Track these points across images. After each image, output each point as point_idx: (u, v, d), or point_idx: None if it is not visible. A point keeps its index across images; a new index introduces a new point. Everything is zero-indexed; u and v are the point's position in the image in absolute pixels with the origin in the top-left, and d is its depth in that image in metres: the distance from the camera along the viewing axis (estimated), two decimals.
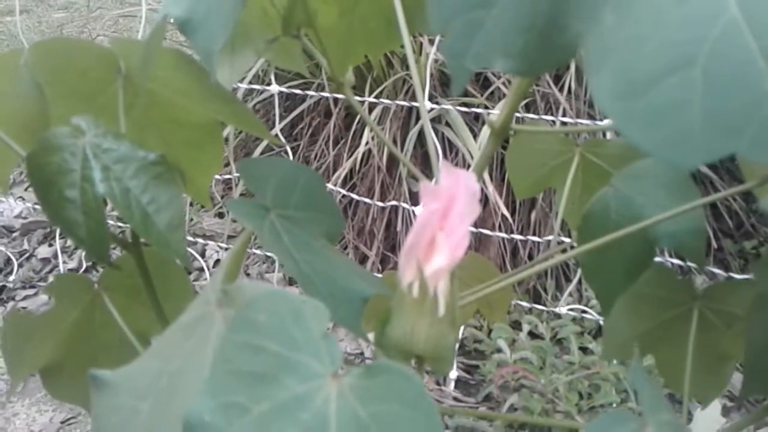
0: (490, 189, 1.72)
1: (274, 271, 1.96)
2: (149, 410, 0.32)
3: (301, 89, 1.83)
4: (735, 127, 0.22)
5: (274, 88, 1.71)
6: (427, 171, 1.71)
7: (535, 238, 1.66)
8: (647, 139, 0.24)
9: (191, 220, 2.19)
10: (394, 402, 0.26)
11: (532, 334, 1.67)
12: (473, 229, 1.57)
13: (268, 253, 1.95)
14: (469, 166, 1.68)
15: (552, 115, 1.76)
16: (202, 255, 2.09)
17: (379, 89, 1.87)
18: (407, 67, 1.89)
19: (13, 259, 2.17)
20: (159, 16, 0.46)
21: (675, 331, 0.60)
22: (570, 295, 1.68)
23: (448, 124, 1.82)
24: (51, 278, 2.09)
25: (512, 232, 1.70)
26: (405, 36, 0.50)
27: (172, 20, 0.44)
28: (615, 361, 1.51)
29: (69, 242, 2.23)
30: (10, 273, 2.13)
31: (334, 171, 1.92)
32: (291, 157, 1.92)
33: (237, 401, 0.27)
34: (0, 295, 2.05)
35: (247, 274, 2.02)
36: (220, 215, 2.27)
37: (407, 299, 0.35)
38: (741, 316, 0.57)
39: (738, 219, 1.83)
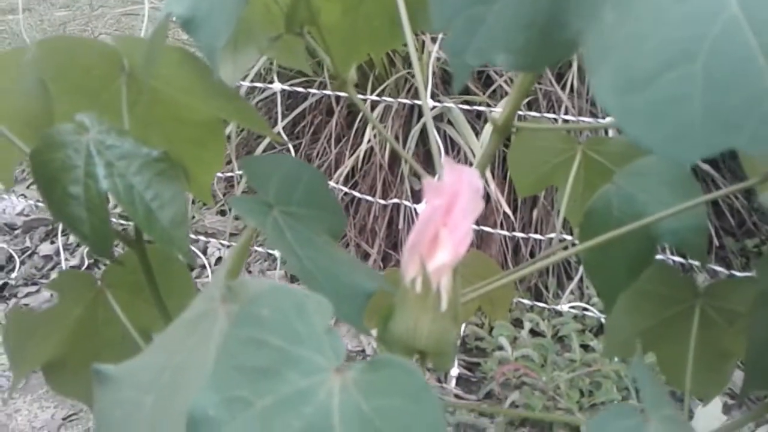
0: (492, 187, 1.72)
1: (275, 269, 1.97)
2: (152, 404, 0.32)
3: (303, 87, 1.83)
4: (735, 123, 0.23)
5: (277, 86, 1.71)
6: (429, 169, 1.72)
7: (537, 236, 1.66)
8: (648, 134, 0.24)
9: (193, 217, 2.20)
10: (397, 396, 0.26)
11: (534, 332, 1.67)
12: (475, 227, 1.57)
13: (270, 251, 1.95)
14: (471, 164, 1.68)
15: (554, 113, 1.76)
16: (204, 252, 2.10)
17: (381, 87, 1.87)
18: (409, 66, 1.89)
19: (15, 257, 2.18)
20: (162, 14, 0.46)
21: (676, 328, 0.60)
22: (571, 292, 1.68)
23: (450, 122, 1.82)
24: (53, 275, 2.10)
25: (514, 230, 1.71)
26: (408, 34, 0.50)
27: (174, 18, 0.44)
28: (616, 359, 1.51)
29: (71, 239, 2.23)
30: (12, 270, 2.14)
31: (336, 169, 1.93)
32: (293, 155, 1.92)
33: (240, 395, 0.27)
34: (2, 292, 2.05)
35: (249, 272, 2.02)
36: (222, 213, 2.27)
37: (410, 295, 0.36)
38: (743, 314, 0.58)
39: (740, 217, 1.83)
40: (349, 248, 1.91)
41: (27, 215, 2.41)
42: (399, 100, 1.72)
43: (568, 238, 1.48)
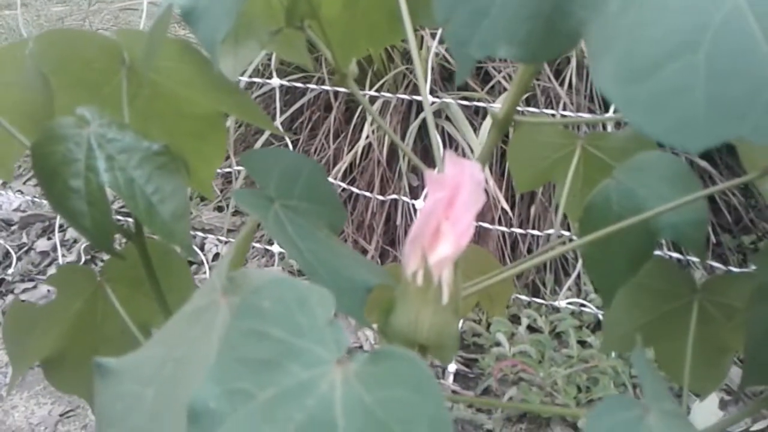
0: (491, 183, 1.72)
1: (273, 265, 1.96)
2: (154, 397, 0.33)
3: (301, 83, 1.83)
4: (738, 112, 0.23)
5: (275, 81, 1.71)
6: (428, 165, 1.72)
7: (535, 232, 1.66)
8: (651, 124, 0.24)
9: (190, 213, 2.19)
10: (399, 387, 0.26)
11: (531, 328, 1.68)
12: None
13: (268, 247, 1.95)
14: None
15: (552, 109, 1.76)
16: (202, 248, 2.09)
17: (380, 83, 1.87)
18: (408, 61, 1.89)
19: (12, 253, 2.17)
20: (161, 8, 0.46)
21: (675, 323, 0.60)
22: (569, 289, 1.69)
23: (448, 118, 1.82)
24: (50, 272, 2.10)
25: (512, 226, 1.71)
26: (408, 29, 0.50)
27: (175, 11, 0.44)
28: (613, 355, 1.51)
29: (68, 236, 2.23)
30: (9, 266, 2.13)
31: (334, 165, 1.92)
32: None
33: (242, 388, 0.27)
34: None
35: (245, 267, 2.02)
36: (220, 209, 2.27)
37: (411, 288, 0.36)
38: (741, 309, 0.58)
39: (737, 214, 1.83)
40: (346, 244, 1.90)
41: (24, 211, 2.40)
42: (398, 95, 1.72)
43: (566, 233, 1.48)
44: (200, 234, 2.07)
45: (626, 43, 0.25)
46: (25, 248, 2.23)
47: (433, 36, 1.74)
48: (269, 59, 1.84)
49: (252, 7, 0.53)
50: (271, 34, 0.53)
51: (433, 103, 1.76)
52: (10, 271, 2.11)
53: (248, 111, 0.58)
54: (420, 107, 1.83)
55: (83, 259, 2.11)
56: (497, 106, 1.60)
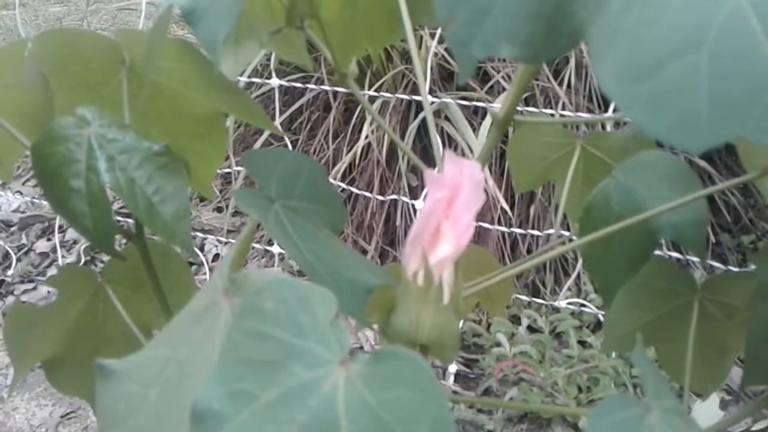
0: (490, 183, 1.72)
1: (273, 265, 1.96)
2: (157, 398, 0.33)
3: (300, 83, 1.83)
4: (740, 112, 0.23)
5: (275, 81, 1.71)
6: (427, 165, 1.72)
7: (535, 232, 1.66)
8: (653, 123, 0.24)
9: (190, 214, 2.19)
10: (402, 387, 0.26)
11: (531, 328, 1.68)
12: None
13: (267, 248, 1.95)
14: None
15: (551, 108, 1.76)
16: (201, 249, 2.09)
17: (379, 83, 1.87)
18: (407, 61, 1.89)
19: (12, 254, 2.17)
20: (160, 8, 0.46)
21: (675, 323, 0.60)
22: (569, 289, 1.69)
23: (447, 118, 1.82)
24: (50, 273, 2.10)
25: (511, 226, 1.71)
26: (408, 28, 0.50)
27: (176, 10, 0.44)
28: (614, 355, 1.51)
29: (68, 236, 2.23)
30: (9, 267, 2.13)
31: (334, 165, 1.92)
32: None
33: (245, 388, 0.27)
34: None
35: (246, 268, 2.02)
36: (219, 209, 2.27)
37: (412, 288, 0.36)
38: (741, 308, 0.58)
39: (736, 214, 1.84)
40: (347, 244, 1.90)
41: (23, 212, 2.40)
42: (397, 95, 1.71)
43: (566, 233, 1.48)
44: (200, 234, 2.07)
45: (628, 42, 0.25)
46: (25, 249, 2.22)
47: (432, 36, 1.75)
48: (268, 59, 1.84)
49: (252, 8, 0.53)
50: (270, 34, 0.53)
51: (432, 103, 1.76)
52: (10, 272, 2.11)
53: (248, 111, 0.58)
54: (419, 107, 1.83)
55: (83, 260, 2.11)
56: (497, 105, 1.60)
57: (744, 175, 0.51)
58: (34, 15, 4.19)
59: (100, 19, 3.67)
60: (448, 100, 1.77)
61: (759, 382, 0.51)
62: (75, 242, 2.20)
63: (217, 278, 0.35)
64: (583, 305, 1.62)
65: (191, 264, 1.99)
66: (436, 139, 0.49)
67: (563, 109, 1.74)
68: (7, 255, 2.18)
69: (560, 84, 1.77)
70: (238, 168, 2.01)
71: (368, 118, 1.86)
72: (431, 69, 1.71)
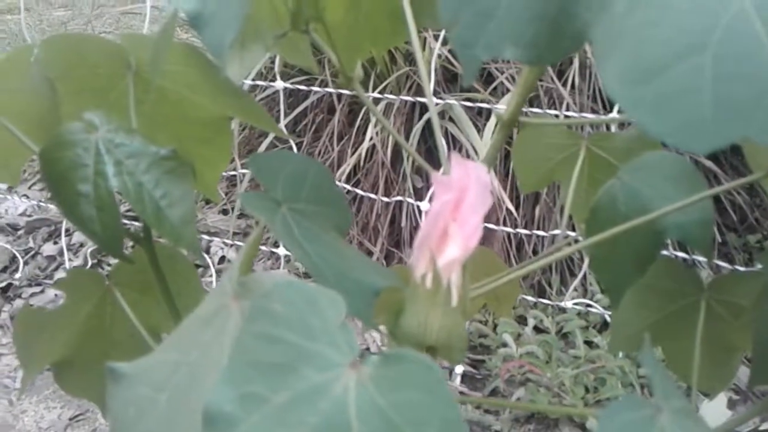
0: (495, 183, 1.72)
1: (279, 267, 1.97)
2: (167, 401, 0.33)
3: (305, 85, 1.83)
4: (745, 113, 0.23)
5: (279, 84, 1.71)
6: (432, 166, 1.72)
7: (540, 233, 1.66)
8: (657, 124, 0.24)
9: (196, 216, 2.20)
10: (413, 390, 0.26)
11: (538, 329, 1.68)
12: None
13: (274, 250, 1.96)
14: None
15: (556, 109, 1.76)
16: (207, 251, 2.10)
17: (383, 85, 1.87)
18: (411, 63, 1.89)
19: (19, 257, 2.18)
20: (166, 12, 0.46)
21: (682, 322, 0.60)
22: (575, 289, 1.68)
23: (451, 120, 1.82)
24: (57, 276, 2.10)
25: (517, 227, 1.71)
26: (412, 30, 0.50)
27: (181, 15, 0.44)
28: (621, 355, 1.51)
29: (74, 240, 2.23)
30: (16, 271, 2.14)
31: (338, 167, 1.93)
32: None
33: (256, 391, 0.27)
34: (6, 292, 2.05)
35: (253, 271, 2.02)
36: (225, 212, 2.27)
37: (420, 290, 0.36)
38: (748, 308, 0.58)
39: (742, 213, 1.83)
40: (353, 246, 1.90)
41: (30, 216, 2.41)
42: (401, 97, 1.72)
43: (571, 234, 1.48)
44: (206, 237, 2.08)
45: (633, 44, 0.25)
46: (32, 253, 2.23)
47: (436, 38, 1.75)
48: (273, 62, 1.85)
49: (258, 11, 0.53)
50: (276, 37, 0.54)
51: (436, 104, 1.77)
52: (17, 275, 2.11)
53: (254, 114, 0.58)
54: (423, 109, 1.83)
55: (90, 263, 2.11)
56: (501, 107, 1.60)
57: (750, 174, 0.51)
58: (39, 19, 4.20)
59: (104, 23, 3.68)
60: (452, 101, 1.77)
61: (766, 382, 0.51)
62: (82, 245, 2.21)
63: (227, 281, 0.35)
64: (589, 305, 1.62)
65: (197, 266, 2.00)
66: (441, 141, 0.49)
67: (567, 109, 1.74)
68: (14, 258, 2.19)
69: (564, 85, 1.77)
70: (244, 170, 2.01)
71: (373, 120, 1.86)
72: (435, 71, 1.71)
